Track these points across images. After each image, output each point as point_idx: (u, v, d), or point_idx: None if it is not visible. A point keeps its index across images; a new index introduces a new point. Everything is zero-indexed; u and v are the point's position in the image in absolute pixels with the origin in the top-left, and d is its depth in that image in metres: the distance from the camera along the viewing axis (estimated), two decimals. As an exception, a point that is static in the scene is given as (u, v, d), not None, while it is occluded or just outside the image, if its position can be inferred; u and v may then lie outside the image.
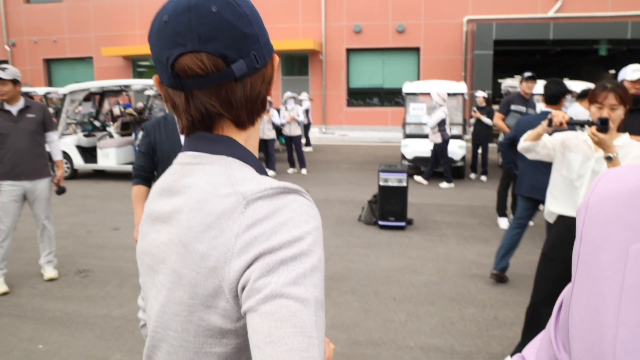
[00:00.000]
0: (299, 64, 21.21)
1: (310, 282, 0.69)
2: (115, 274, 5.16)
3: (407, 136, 10.85)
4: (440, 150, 9.52)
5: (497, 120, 6.93)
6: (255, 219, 0.73)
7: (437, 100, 9.56)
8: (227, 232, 0.74)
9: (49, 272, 4.96)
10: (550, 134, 3.17)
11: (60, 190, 4.97)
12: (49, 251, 4.99)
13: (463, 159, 10.37)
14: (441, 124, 9.44)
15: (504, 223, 6.80)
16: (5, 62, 24.18)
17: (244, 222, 0.73)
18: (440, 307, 4.30)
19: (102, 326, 4.00)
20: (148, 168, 3.20)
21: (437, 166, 9.87)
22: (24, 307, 4.35)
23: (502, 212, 6.88)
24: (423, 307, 4.29)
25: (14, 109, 4.55)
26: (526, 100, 6.80)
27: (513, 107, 6.76)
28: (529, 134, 3.08)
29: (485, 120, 10.33)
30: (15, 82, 4.45)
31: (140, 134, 10.46)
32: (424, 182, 9.89)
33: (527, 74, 6.70)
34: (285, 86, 21.05)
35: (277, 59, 0.89)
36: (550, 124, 2.86)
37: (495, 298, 4.47)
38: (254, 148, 0.90)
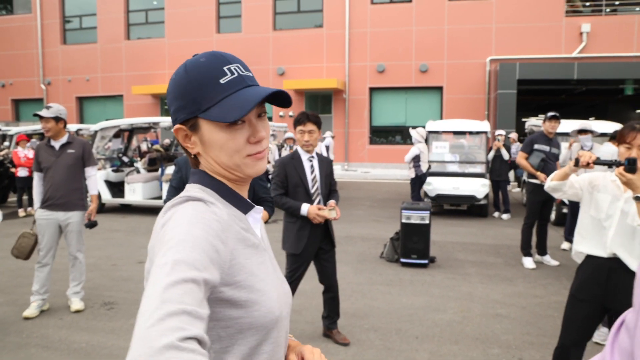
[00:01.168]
0: (322, 102, 21.57)
1: (170, 259, 0.84)
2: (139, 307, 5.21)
3: (430, 174, 10.86)
4: (412, 184, 10.47)
5: (521, 159, 6.92)
6: (165, 220, 0.98)
7: (416, 137, 10.44)
8: (156, 228, 1.00)
9: (76, 304, 5.06)
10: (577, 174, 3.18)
11: (91, 224, 5.12)
12: (78, 282, 5.11)
13: (486, 197, 10.32)
14: (416, 160, 10.32)
15: (529, 263, 6.70)
16: (41, 100, 25.13)
17: (160, 222, 0.99)
18: (464, 346, 4.24)
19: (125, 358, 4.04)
20: None
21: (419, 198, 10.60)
22: (51, 338, 4.43)
23: (527, 252, 6.79)
24: (446, 347, 4.23)
25: (57, 144, 4.86)
26: (550, 139, 6.80)
27: (536, 146, 6.76)
28: (556, 173, 3.09)
29: (504, 153, 10.34)
30: (57, 119, 4.73)
31: (167, 169, 10.71)
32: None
33: (551, 113, 6.73)
34: (309, 124, 21.33)
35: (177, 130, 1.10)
36: (577, 164, 2.87)
37: (521, 339, 4.39)
38: (222, 177, 1.11)
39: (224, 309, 0.98)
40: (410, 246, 6.61)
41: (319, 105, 21.62)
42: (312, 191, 4.09)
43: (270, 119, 21.31)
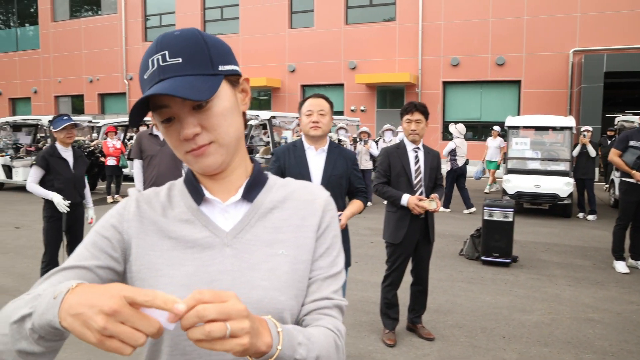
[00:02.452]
0: (394, 96, 21.34)
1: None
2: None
3: (509, 171, 10.49)
4: (446, 177, 10.37)
5: (614, 157, 6.54)
6: None
7: (454, 133, 10.74)
8: None
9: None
10: None
11: None
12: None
13: (570, 196, 9.83)
14: (452, 154, 10.44)
15: (621, 267, 6.32)
16: (124, 94, 26.50)
17: None
18: (555, 349, 4.07)
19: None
20: None
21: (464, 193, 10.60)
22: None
23: (619, 255, 6.40)
24: (535, 348, 4.08)
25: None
26: None
27: (632, 143, 6.36)
28: None
29: (590, 149, 9.82)
30: None
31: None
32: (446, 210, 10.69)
33: None
34: (380, 118, 21.22)
35: None
36: None
37: (618, 346, 4.16)
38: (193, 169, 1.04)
39: None
40: (492, 244, 6.42)
41: (389, 100, 21.41)
42: (415, 182, 4.05)
43: (341, 112, 21.35)
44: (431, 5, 20.09)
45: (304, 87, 22.43)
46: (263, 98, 23.68)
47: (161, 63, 0.92)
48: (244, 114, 1.04)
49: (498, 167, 13.58)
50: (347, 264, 3.33)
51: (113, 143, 11.96)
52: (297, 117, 12.77)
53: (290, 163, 3.24)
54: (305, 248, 1.01)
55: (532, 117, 11.06)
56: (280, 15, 22.43)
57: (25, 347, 0.78)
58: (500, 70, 19.45)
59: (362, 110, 21.34)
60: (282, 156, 3.28)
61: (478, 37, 19.55)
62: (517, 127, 10.76)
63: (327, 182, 3.19)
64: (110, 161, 11.86)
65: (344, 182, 3.27)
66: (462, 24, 19.72)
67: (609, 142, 12.96)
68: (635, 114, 15.54)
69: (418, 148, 4.11)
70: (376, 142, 11.94)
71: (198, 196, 1.03)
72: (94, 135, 14.84)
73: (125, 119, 16.60)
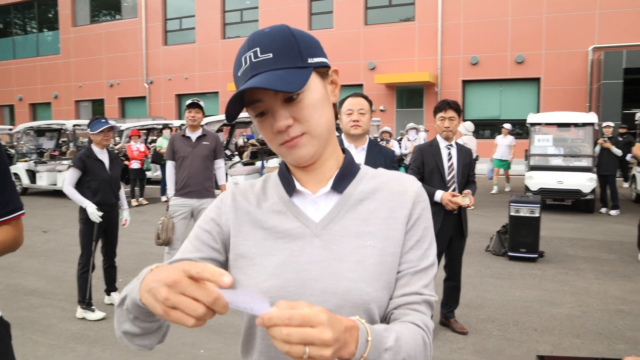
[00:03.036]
0: (413, 96, 21.40)
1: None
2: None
3: (532, 168, 10.53)
4: None
5: (639, 150, 6.59)
6: None
7: (462, 131, 10.90)
8: None
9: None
10: None
11: None
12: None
13: (592, 192, 9.86)
14: None
15: (648, 260, 6.38)
16: (144, 98, 26.89)
17: None
18: (587, 340, 4.17)
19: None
20: None
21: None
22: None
23: (645, 249, 6.47)
24: (568, 340, 4.19)
25: (194, 135, 5.25)
26: None
27: None
28: None
29: (615, 150, 9.84)
30: (203, 112, 5.28)
31: (269, 163, 11.17)
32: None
33: None
34: (399, 118, 21.29)
35: None
36: None
37: (649, 336, 4.24)
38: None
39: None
40: (519, 240, 6.51)
41: (409, 99, 21.47)
42: (448, 178, 4.17)
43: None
44: (451, 4, 20.12)
45: (322, 87, 22.57)
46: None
47: (253, 59, 0.95)
48: (334, 105, 1.07)
49: (509, 167, 13.07)
50: None
51: (137, 146, 12.10)
52: None
53: None
54: (393, 240, 1.01)
55: (555, 114, 11.09)
56: (300, 17, 22.62)
57: (127, 328, 0.90)
58: (519, 68, 19.42)
59: (382, 110, 21.42)
60: None
61: (497, 36, 19.54)
62: (539, 124, 10.80)
63: None
64: (135, 164, 11.96)
65: None
66: (482, 23, 19.73)
67: (620, 139, 12.83)
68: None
69: (451, 145, 4.22)
70: (398, 141, 12.04)
71: (290, 187, 1.07)
72: (117, 139, 15.12)
73: (146, 122, 16.88)
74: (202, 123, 11.64)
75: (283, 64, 0.95)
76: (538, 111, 19.03)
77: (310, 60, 0.99)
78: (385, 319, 1.00)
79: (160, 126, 15.99)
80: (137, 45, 26.74)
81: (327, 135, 1.02)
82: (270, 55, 0.95)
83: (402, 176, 1.12)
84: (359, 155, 3.41)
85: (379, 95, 21.49)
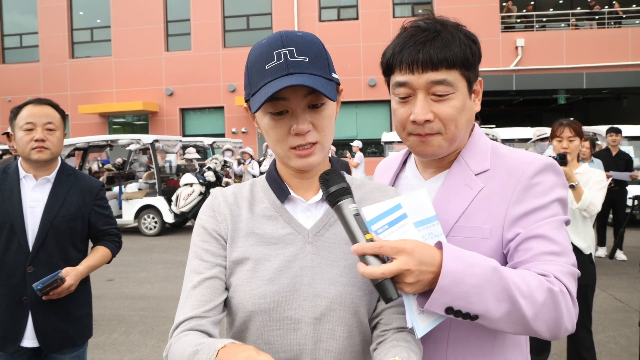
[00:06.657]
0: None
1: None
2: (118, 322, 5.25)
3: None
4: None
5: None
6: None
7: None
8: None
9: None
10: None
11: None
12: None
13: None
14: None
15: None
16: (-22, 121, 24.06)
17: None
18: None
19: (118, 369, 4.09)
20: None
21: None
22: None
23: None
24: None
25: None
26: None
27: None
28: None
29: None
30: None
31: (126, 188, 10.60)
32: None
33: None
34: (261, 140, 21.52)
35: None
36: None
37: None
38: (281, 162, 1.16)
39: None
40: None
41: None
42: None
43: (222, 135, 21.32)
44: (308, 30, 20.91)
45: (182, 110, 22.10)
46: (139, 123, 22.90)
47: (289, 57, 0.97)
48: None
49: None
50: None
51: None
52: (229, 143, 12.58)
53: None
54: None
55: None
56: (156, 38, 21.97)
57: None
58: (373, 91, 20.80)
59: (244, 132, 21.49)
60: None
61: (351, 61, 20.76)
62: (391, 142, 11.65)
63: (49, 226, 2.30)
64: None
65: (78, 224, 2.45)
66: (336, 48, 20.84)
67: None
68: None
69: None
70: (259, 162, 12.19)
71: (282, 194, 1.10)
72: None
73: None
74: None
75: (317, 70, 0.99)
76: (391, 130, 20.50)
77: (334, 75, 1.04)
78: (371, 323, 1.09)
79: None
80: None
81: (329, 149, 1.09)
82: (307, 59, 0.98)
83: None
84: (39, 189, 2.40)
85: (239, 118, 21.56)
